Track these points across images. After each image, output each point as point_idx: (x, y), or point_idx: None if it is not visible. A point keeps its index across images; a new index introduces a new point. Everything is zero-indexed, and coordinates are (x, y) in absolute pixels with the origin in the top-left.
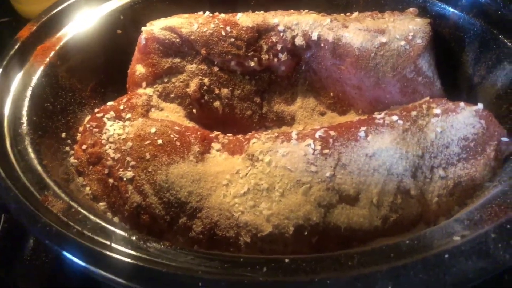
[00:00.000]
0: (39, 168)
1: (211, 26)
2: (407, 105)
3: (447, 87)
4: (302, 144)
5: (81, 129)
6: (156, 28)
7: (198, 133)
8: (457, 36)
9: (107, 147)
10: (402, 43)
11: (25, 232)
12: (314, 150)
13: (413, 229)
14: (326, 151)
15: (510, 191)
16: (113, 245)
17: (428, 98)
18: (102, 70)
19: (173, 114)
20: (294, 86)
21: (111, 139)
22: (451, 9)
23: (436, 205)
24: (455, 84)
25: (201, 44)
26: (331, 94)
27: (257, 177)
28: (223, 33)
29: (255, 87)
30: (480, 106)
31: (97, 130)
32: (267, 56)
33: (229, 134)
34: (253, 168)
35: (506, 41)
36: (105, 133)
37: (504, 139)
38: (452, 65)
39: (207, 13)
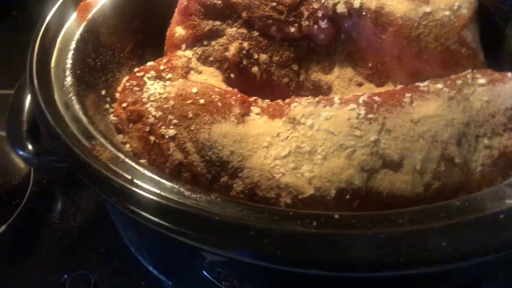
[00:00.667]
0: (84, 119)
1: None
2: (449, 77)
3: (489, 61)
4: (345, 108)
5: (119, 88)
6: None
7: (238, 96)
8: (502, 9)
9: (148, 105)
10: (447, 13)
11: (54, 195)
12: (359, 114)
13: (455, 198)
14: (371, 115)
15: None
16: (163, 193)
17: (470, 70)
18: (141, 31)
19: (211, 78)
20: (332, 55)
21: (152, 98)
22: None
23: (480, 175)
24: (498, 57)
25: (243, 7)
26: (370, 64)
27: (298, 140)
28: None
29: (293, 54)
30: None
31: (137, 88)
32: (307, 23)
33: (267, 100)
34: (295, 131)
35: None
36: (146, 91)
37: None
38: (495, 39)
39: None
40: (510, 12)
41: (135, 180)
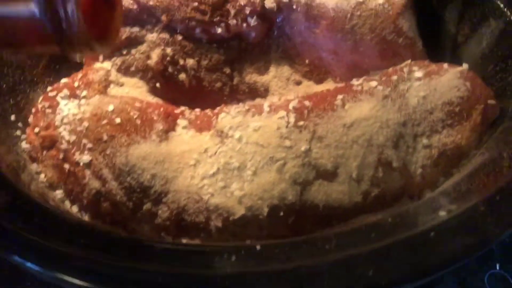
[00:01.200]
0: None
1: None
2: (387, 70)
3: (429, 48)
4: (275, 117)
5: (33, 110)
6: None
7: (161, 109)
8: None
9: (61, 129)
10: (380, 1)
11: None
12: (288, 122)
13: (396, 203)
14: (301, 123)
15: (499, 159)
16: None
17: (409, 61)
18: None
19: (134, 90)
20: (266, 54)
21: (65, 120)
22: None
23: (420, 177)
24: (437, 45)
25: (162, 10)
26: (307, 61)
27: (227, 155)
28: None
29: (224, 56)
30: (465, 66)
31: (50, 110)
32: (235, 21)
33: (197, 109)
34: (223, 146)
35: None
36: (59, 113)
37: (491, 101)
38: (434, 24)
39: None
40: None
41: None
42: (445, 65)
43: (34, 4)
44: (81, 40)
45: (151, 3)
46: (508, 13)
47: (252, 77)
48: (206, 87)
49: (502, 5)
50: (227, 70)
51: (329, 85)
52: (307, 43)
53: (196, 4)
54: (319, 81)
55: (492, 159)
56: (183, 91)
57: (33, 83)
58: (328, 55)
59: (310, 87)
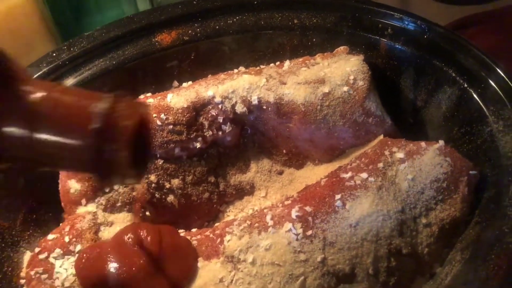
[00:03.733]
0: None
1: None
2: (366, 151)
3: (394, 116)
4: (282, 231)
5: (22, 274)
6: None
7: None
8: (392, 64)
9: None
10: (345, 88)
11: None
12: (297, 235)
13: (412, 285)
14: (309, 232)
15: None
16: None
17: (381, 136)
18: (28, 195)
19: (125, 224)
20: (244, 152)
21: (66, 283)
22: (380, 39)
23: (428, 255)
24: (400, 111)
25: None
26: (284, 151)
27: (245, 281)
28: (159, 122)
29: (206, 166)
30: (441, 143)
31: (45, 276)
32: (210, 132)
33: (194, 230)
34: (238, 272)
35: (440, 65)
36: (58, 277)
37: (473, 172)
38: (392, 92)
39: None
40: (399, 66)
41: None
42: (423, 144)
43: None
44: (119, 174)
45: None
46: (461, 81)
47: (236, 178)
48: (195, 201)
49: (453, 74)
50: (212, 179)
51: (310, 168)
52: (282, 136)
53: (171, 126)
54: (299, 166)
55: (494, 237)
56: (173, 211)
57: (14, 243)
58: (304, 143)
59: (293, 174)
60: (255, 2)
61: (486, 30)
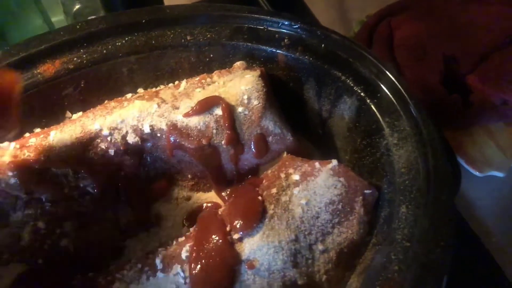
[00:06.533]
0: None
1: None
2: (266, 173)
3: (300, 127)
4: (170, 275)
5: None
6: None
7: None
8: (293, 76)
9: None
10: (240, 109)
11: None
12: (185, 278)
13: None
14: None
15: (388, 263)
16: None
17: (285, 154)
18: None
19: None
20: (146, 182)
21: None
22: (278, 51)
23: (327, 283)
24: (307, 122)
25: (19, 187)
26: (189, 176)
27: None
28: (40, 165)
29: (102, 203)
30: (334, 162)
31: None
32: (100, 167)
33: (90, 274)
34: None
35: (338, 74)
36: None
37: (367, 191)
38: (297, 104)
39: (13, 144)
40: (300, 77)
41: None
42: (317, 164)
43: None
44: None
45: (2, 185)
46: (358, 91)
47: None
48: (94, 241)
49: (351, 83)
50: (110, 215)
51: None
52: (183, 162)
53: (54, 170)
54: (208, 189)
55: (382, 264)
56: (71, 256)
57: None
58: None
59: (200, 197)
60: (143, 21)
61: (415, 15)
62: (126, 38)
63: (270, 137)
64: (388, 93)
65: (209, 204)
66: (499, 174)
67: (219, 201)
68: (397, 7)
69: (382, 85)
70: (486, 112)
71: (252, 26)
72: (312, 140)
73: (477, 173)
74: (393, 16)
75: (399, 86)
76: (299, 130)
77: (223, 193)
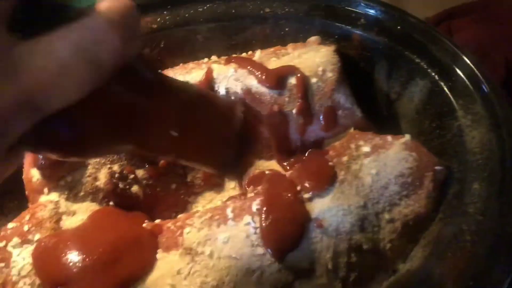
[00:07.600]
0: None
1: None
2: (333, 144)
3: (366, 107)
4: (241, 224)
5: None
6: None
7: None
8: (365, 56)
9: (21, 283)
10: (314, 80)
11: None
12: (256, 228)
13: (373, 281)
14: None
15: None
16: None
17: (352, 129)
18: None
19: (88, 214)
20: None
21: (23, 272)
22: (353, 30)
23: (390, 251)
24: (373, 102)
25: None
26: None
27: (202, 274)
28: None
29: None
30: (407, 137)
31: (3, 264)
32: None
33: (157, 221)
34: (195, 264)
35: (412, 57)
36: (14, 266)
37: (438, 167)
38: (366, 84)
39: None
40: (372, 57)
41: None
42: (389, 138)
43: None
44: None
45: None
46: (432, 74)
47: None
48: (161, 192)
49: (425, 66)
50: (179, 170)
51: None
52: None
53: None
54: (269, 158)
55: (453, 235)
56: (138, 202)
57: None
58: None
59: (263, 164)
60: None
61: (476, 19)
62: (208, 5)
63: (340, 111)
64: (463, 76)
65: (270, 172)
66: None
67: (280, 169)
68: (458, 11)
69: (457, 69)
70: None
71: (330, 3)
72: (375, 122)
73: None
74: (452, 20)
75: (476, 71)
76: (364, 110)
77: (284, 163)
